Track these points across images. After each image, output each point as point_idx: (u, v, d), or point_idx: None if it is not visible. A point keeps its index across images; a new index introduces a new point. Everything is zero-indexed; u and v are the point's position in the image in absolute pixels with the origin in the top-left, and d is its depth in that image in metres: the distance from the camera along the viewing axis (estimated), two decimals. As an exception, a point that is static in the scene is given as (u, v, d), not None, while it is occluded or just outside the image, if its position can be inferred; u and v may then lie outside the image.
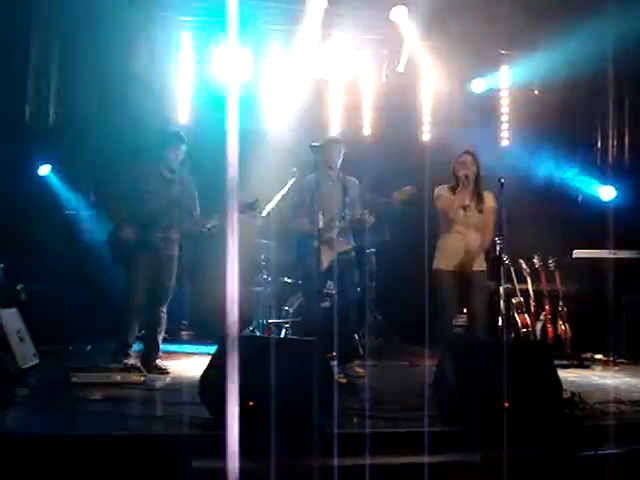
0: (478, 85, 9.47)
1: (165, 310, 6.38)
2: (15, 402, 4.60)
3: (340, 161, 6.30)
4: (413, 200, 6.14)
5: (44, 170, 8.25)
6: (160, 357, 6.41)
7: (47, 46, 8.46)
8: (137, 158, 6.62)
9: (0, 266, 6.88)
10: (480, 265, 5.98)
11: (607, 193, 9.08)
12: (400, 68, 9.20)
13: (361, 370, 6.25)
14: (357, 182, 6.45)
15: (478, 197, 5.96)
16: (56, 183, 8.26)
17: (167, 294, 6.33)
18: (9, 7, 7.80)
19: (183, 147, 6.26)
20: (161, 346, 6.43)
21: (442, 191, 6.01)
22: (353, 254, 6.47)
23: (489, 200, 6.01)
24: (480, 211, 5.94)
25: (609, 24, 8.01)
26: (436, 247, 6.04)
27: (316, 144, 5.97)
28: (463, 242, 5.90)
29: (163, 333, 6.45)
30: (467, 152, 6.02)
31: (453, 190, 5.94)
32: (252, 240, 7.80)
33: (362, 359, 7.36)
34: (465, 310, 6.51)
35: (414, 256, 6.56)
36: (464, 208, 5.90)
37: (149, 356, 6.29)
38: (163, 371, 6.19)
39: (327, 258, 6.07)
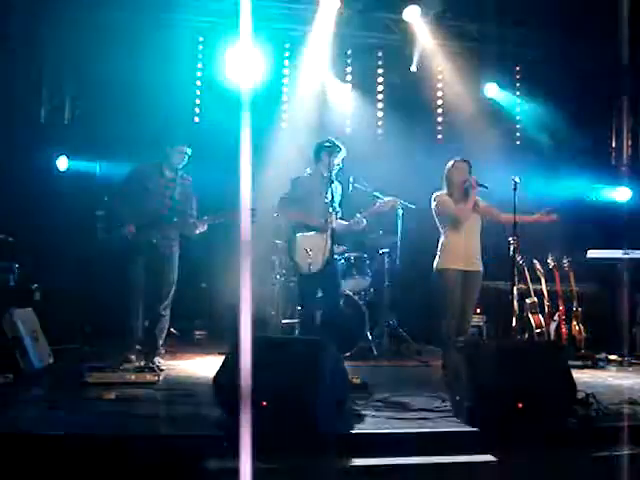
0: (491, 88, 9.48)
1: (167, 309, 6.37)
2: (30, 402, 4.62)
3: (339, 163, 6.27)
4: (402, 208, 6.25)
5: (62, 163, 8.27)
6: (160, 355, 6.42)
7: (62, 48, 8.51)
8: (141, 156, 6.64)
9: (15, 266, 6.91)
10: (479, 265, 6.17)
11: (623, 194, 9.05)
12: (413, 68, 9.21)
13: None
14: (343, 182, 6.46)
15: (475, 202, 6.14)
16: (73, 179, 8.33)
17: (167, 293, 6.33)
18: (25, 9, 7.86)
19: (188, 150, 6.28)
20: (161, 344, 6.44)
21: (444, 196, 6.18)
22: (347, 255, 6.60)
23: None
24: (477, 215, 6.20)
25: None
26: (440, 247, 6.20)
27: (328, 144, 6.00)
28: (467, 243, 6.14)
29: (165, 331, 6.45)
30: (462, 160, 6.25)
31: (451, 195, 6.15)
32: (265, 240, 7.81)
33: (375, 359, 7.37)
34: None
35: (425, 256, 6.58)
36: None
37: (147, 354, 6.31)
38: (160, 369, 6.16)
39: (321, 258, 6.07)
